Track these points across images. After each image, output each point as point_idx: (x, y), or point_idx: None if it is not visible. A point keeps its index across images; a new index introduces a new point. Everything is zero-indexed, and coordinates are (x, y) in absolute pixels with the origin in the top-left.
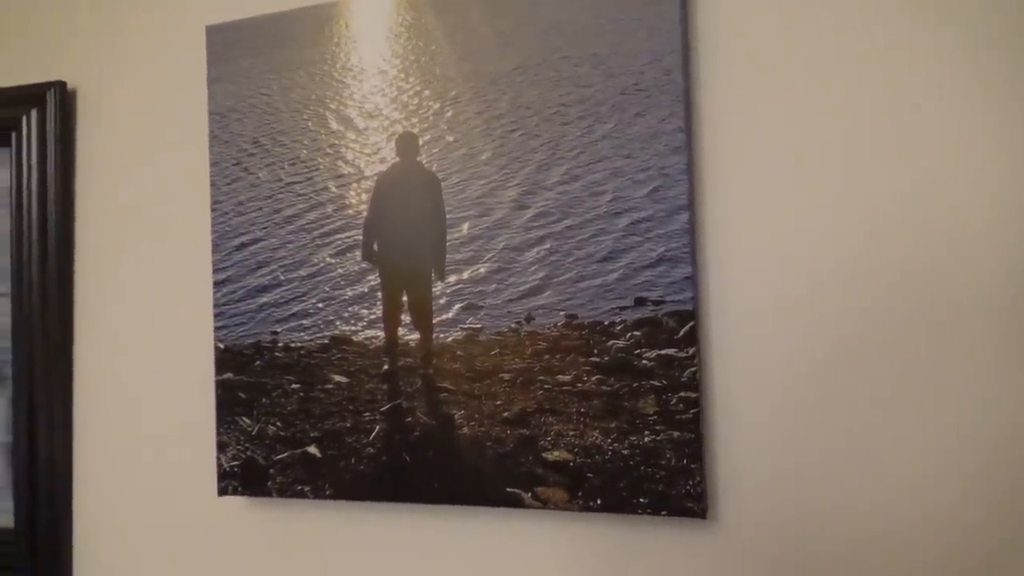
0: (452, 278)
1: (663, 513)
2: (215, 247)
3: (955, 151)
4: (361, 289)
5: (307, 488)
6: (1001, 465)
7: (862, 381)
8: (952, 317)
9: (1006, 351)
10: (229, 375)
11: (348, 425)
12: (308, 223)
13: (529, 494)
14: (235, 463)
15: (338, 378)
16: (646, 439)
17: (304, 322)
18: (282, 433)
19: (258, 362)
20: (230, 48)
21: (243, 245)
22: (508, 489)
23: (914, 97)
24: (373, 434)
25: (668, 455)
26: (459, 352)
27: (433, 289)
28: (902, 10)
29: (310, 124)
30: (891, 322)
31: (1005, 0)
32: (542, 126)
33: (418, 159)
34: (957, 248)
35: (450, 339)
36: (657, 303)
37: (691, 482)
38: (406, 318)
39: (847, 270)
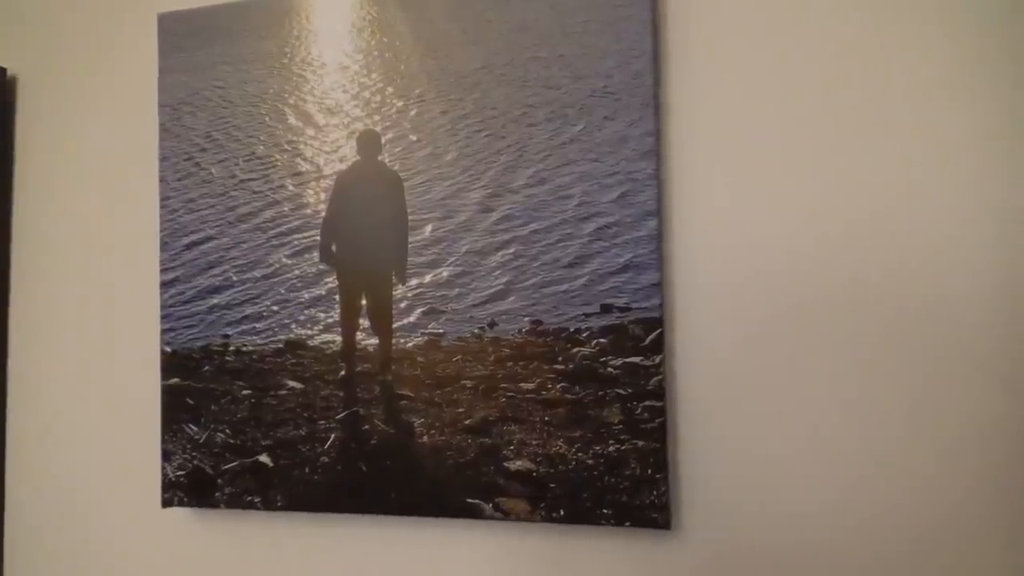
0: (413, 281)
1: (627, 524)
2: (163, 245)
3: (930, 155)
4: (318, 292)
5: (258, 499)
6: (969, 467)
7: (832, 390)
8: (924, 325)
9: (979, 354)
10: (176, 380)
11: (302, 433)
12: (263, 222)
13: (490, 505)
14: (181, 473)
15: (292, 384)
16: (610, 448)
17: (257, 325)
18: (231, 441)
19: (207, 367)
20: (183, 38)
21: (193, 244)
22: (469, 500)
23: (888, 102)
24: (328, 442)
25: (633, 465)
26: (420, 358)
27: (394, 292)
28: (875, 13)
29: (267, 119)
30: (861, 330)
31: None
32: (509, 127)
33: (380, 158)
34: (932, 252)
35: (410, 344)
36: (623, 310)
37: (655, 492)
38: (365, 322)
39: (817, 277)
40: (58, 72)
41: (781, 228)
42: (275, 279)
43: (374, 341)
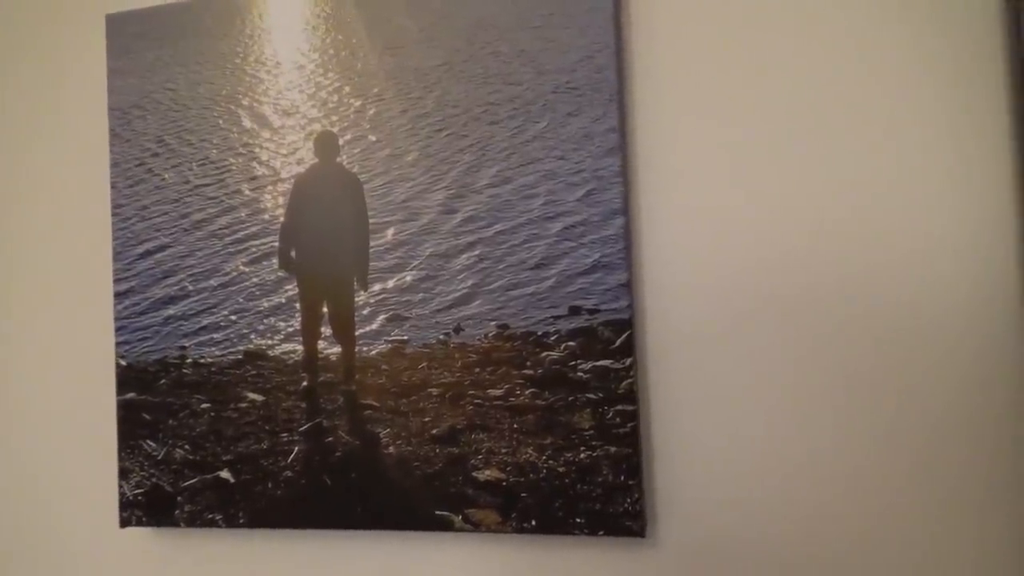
0: (376, 287)
1: (600, 533)
2: (116, 255)
3: (905, 149)
4: (278, 300)
5: (219, 516)
6: (950, 465)
7: (809, 391)
8: (902, 322)
9: (958, 350)
10: (132, 395)
11: (264, 447)
12: (219, 229)
13: (459, 517)
14: (139, 491)
15: (253, 396)
16: (582, 455)
17: (215, 336)
18: (191, 457)
19: (164, 380)
20: (133, 39)
21: (147, 253)
22: (437, 512)
23: (855, 98)
24: (291, 456)
25: (605, 472)
26: (384, 366)
27: (355, 299)
28: (841, 9)
29: (221, 122)
30: (837, 329)
31: None
32: (470, 125)
33: (338, 160)
34: (907, 247)
35: (374, 352)
36: (592, 312)
37: (629, 500)
38: (327, 330)
39: (791, 274)
40: (3, 75)
41: (753, 224)
42: (233, 288)
43: (337, 350)
